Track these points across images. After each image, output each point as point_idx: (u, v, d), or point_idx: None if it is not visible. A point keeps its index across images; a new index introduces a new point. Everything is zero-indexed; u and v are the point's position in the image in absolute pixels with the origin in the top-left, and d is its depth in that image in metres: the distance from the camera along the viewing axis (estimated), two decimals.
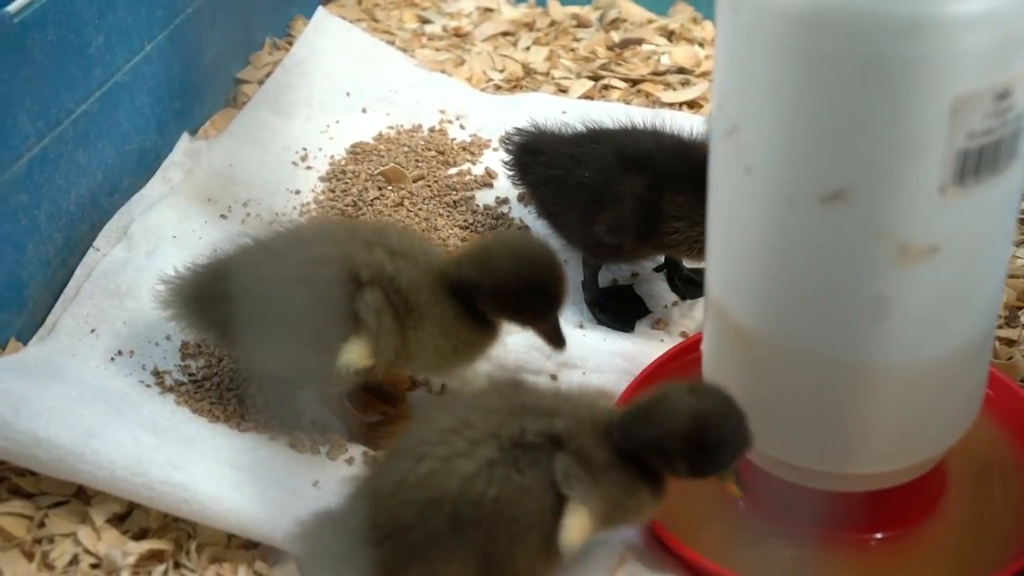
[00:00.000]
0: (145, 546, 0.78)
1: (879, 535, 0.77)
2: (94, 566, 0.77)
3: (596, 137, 1.01)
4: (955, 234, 0.64)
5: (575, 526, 0.66)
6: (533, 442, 0.68)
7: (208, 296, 0.85)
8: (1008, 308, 0.98)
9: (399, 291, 0.80)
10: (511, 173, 1.07)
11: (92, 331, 0.94)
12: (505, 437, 0.68)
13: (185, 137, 1.19)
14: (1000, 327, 0.95)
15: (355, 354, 0.78)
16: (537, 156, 1.03)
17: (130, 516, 0.81)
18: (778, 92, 0.63)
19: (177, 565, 0.78)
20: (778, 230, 0.66)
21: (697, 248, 0.94)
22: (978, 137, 0.61)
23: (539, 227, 1.09)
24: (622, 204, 0.95)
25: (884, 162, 0.61)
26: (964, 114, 0.60)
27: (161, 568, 0.77)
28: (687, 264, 1.05)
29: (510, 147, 1.06)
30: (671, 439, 0.68)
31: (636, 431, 0.69)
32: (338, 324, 0.79)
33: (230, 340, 0.85)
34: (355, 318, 0.79)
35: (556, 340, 0.82)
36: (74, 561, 0.77)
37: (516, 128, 1.07)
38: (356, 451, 0.86)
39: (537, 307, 0.81)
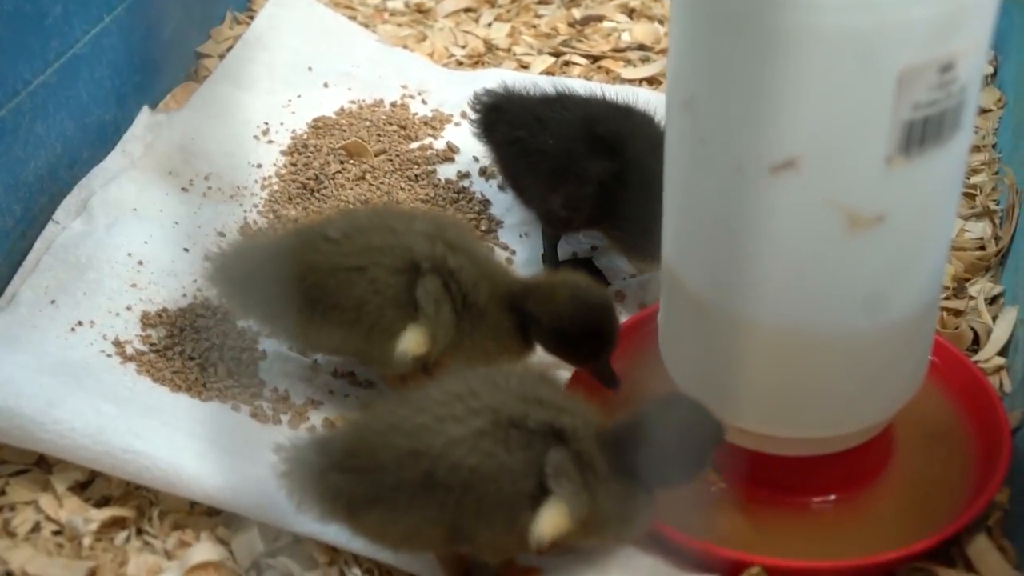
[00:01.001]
0: (107, 513, 0.78)
1: (831, 497, 0.79)
2: (56, 533, 0.77)
3: (565, 103, 1.02)
4: (901, 204, 0.66)
5: (550, 520, 0.66)
6: (532, 428, 0.68)
7: (258, 277, 0.86)
8: (956, 280, 1.00)
9: (460, 285, 0.83)
10: (476, 131, 1.08)
11: (52, 302, 0.93)
12: (504, 415, 0.68)
13: (145, 110, 1.19)
14: (948, 298, 0.98)
15: (412, 342, 0.82)
16: (503, 114, 1.04)
17: (92, 484, 0.81)
18: (729, 64, 0.64)
19: (139, 532, 0.78)
20: (730, 200, 0.68)
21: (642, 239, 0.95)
22: (923, 108, 0.63)
23: (500, 201, 1.10)
24: (583, 182, 0.96)
25: (832, 132, 0.63)
26: (909, 86, 0.62)
27: (123, 535, 0.78)
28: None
29: (477, 106, 1.07)
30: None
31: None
32: (396, 313, 0.82)
33: (279, 322, 0.86)
34: (413, 307, 0.82)
35: (607, 380, 0.85)
36: (36, 528, 0.78)
37: (486, 88, 1.08)
38: (317, 419, 0.87)
39: (590, 352, 0.85)
